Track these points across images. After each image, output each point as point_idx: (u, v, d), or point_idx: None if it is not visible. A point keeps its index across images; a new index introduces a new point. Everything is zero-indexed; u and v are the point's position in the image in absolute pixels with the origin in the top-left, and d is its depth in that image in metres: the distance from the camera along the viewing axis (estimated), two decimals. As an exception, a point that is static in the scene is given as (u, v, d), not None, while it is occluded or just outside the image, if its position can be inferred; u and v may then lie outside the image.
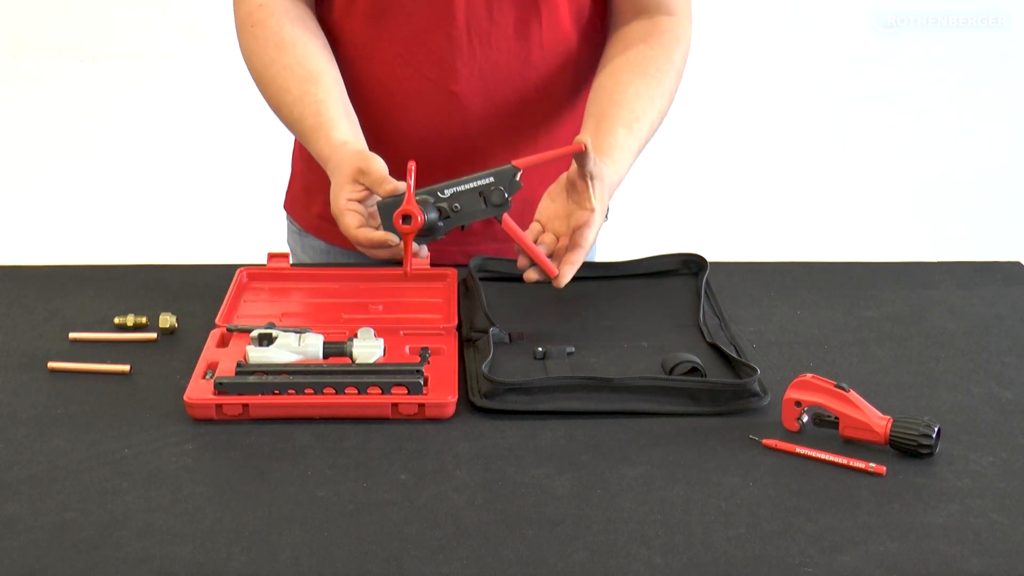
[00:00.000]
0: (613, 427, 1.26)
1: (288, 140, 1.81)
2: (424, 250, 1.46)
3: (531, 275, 1.45)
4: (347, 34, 1.60)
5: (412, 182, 1.39)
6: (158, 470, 1.18)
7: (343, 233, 1.45)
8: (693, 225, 3.45)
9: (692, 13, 1.66)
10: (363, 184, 1.44)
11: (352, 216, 1.44)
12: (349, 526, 1.09)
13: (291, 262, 1.78)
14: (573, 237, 1.44)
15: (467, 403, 1.30)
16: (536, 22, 1.58)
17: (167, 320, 1.45)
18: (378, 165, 1.43)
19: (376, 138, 1.58)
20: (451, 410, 1.28)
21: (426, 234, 1.41)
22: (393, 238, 1.41)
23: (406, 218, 1.39)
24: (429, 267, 1.58)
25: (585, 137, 1.40)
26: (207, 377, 1.31)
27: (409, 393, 1.27)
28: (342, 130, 1.51)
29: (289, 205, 1.81)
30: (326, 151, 1.51)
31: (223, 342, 1.40)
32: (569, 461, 1.20)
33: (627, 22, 1.64)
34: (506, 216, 1.42)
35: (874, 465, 1.18)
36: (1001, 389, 1.36)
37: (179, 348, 1.42)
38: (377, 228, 1.44)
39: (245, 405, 1.26)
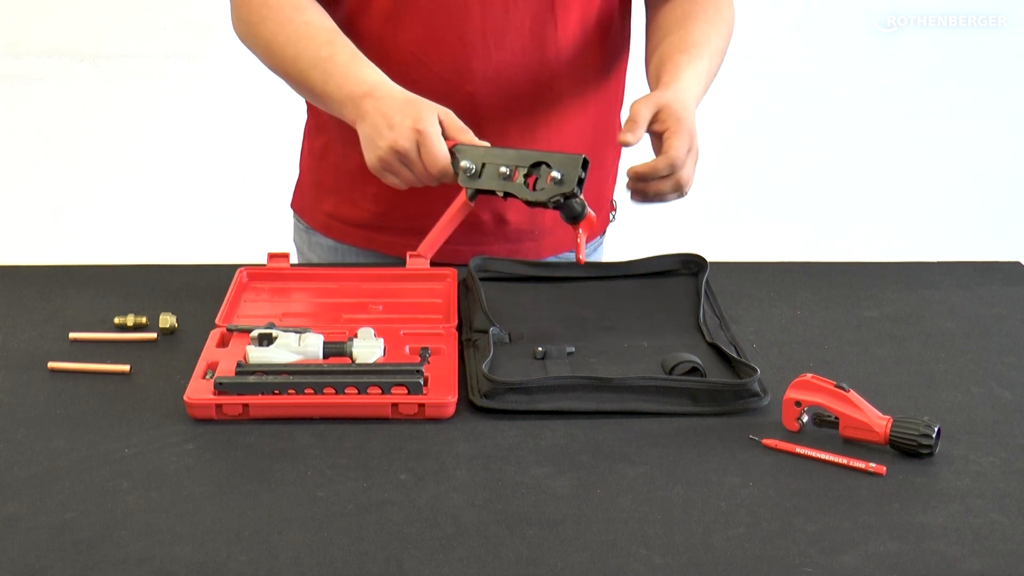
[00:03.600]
0: (613, 427, 1.26)
1: (293, 140, 1.81)
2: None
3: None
4: (363, 34, 1.60)
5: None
6: (158, 470, 1.18)
7: (432, 143, 1.42)
8: (693, 225, 3.44)
9: None
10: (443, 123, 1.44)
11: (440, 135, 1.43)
12: (349, 526, 1.09)
13: (298, 261, 1.78)
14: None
15: (467, 403, 1.30)
16: (551, 23, 1.59)
17: (167, 320, 1.45)
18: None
19: None
20: (451, 410, 1.28)
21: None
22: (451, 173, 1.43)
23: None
24: (429, 267, 1.58)
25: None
26: (207, 377, 1.31)
27: (409, 393, 1.27)
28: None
29: (297, 204, 1.81)
30: (375, 76, 1.49)
31: (223, 342, 1.40)
32: (569, 461, 1.20)
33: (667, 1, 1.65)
34: None
35: (874, 465, 1.18)
36: (1001, 389, 1.36)
37: (179, 348, 1.42)
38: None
39: (245, 405, 1.26)
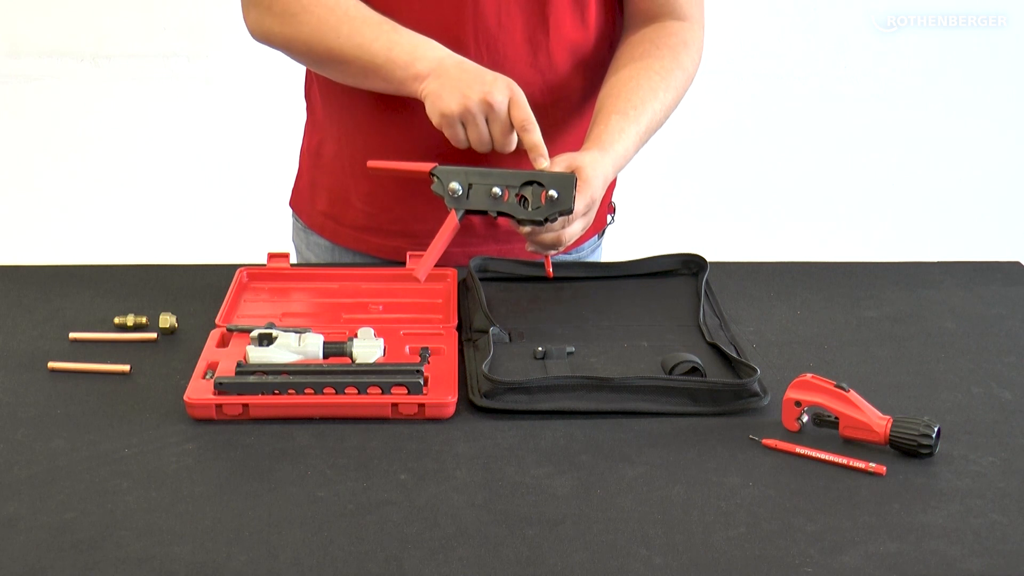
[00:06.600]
0: (613, 427, 1.26)
1: (293, 140, 1.81)
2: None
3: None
4: None
5: None
6: (158, 470, 1.18)
7: (524, 105, 1.45)
8: (693, 225, 3.45)
9: (704, 20, 1.66)
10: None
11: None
12: (349, 526, 1.09)
13: (296, 260, 1.78)
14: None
15: (467, 403, 1.30)
16: (543, 29, 1.58)
17: (167, 320, 1.45)
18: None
19: (386, 142, 1.58)
20: (451, 410, 1.28)
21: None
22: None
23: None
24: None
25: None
26: (207, 377, 1.31)
27: (409, 393, 1.27)
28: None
29: (295, 202, 1.81)
30: (440, 51, 1.50)
31: (223, 342, 1.40)
32: (569, 461, 1.20)
33: (638, 28, 1.64)
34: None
35: (874, 465, 1.18)
36: (1001, 389, 1.36)
37: (179, 348, 1.42)
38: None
39: (245, 405, 1.26)
